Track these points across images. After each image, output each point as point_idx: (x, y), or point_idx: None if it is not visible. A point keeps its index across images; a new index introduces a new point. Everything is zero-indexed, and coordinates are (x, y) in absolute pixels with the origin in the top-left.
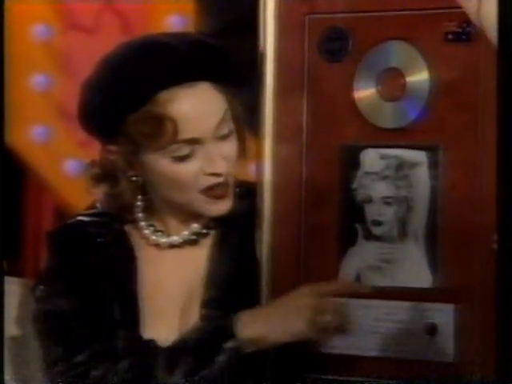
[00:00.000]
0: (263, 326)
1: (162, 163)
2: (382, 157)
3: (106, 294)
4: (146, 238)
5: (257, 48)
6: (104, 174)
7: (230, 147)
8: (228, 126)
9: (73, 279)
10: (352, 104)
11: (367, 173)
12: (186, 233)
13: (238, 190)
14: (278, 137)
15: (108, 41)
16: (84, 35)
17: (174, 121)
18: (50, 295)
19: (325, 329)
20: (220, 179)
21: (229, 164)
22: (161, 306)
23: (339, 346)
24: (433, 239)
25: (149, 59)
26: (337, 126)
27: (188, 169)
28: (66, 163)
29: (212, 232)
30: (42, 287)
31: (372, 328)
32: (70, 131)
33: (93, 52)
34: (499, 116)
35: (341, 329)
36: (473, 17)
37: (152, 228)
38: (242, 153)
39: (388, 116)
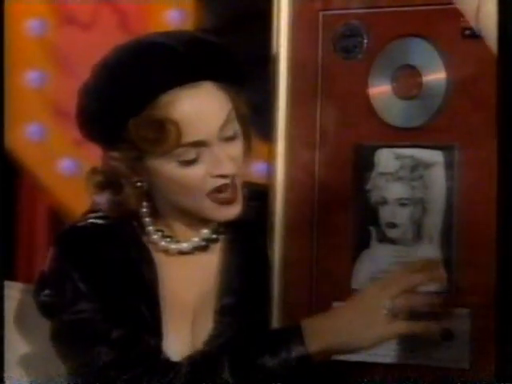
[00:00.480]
0: (334, 334)
1: (168, 168)
2: (397, 157)
3: (132, 296)
4: (154, 243)
5: (268, 45)
6: (107, 181)
7: (236, 148)
8: (233, 127)
9: (94, 282)
10: (367, 102)
11: (381, 173)
12: (196, 239)
13: (246, 190)
14: (291, 136)
15: (105, 36)
16: (80, 30)
17: (176, 124)
18: (61, 299)
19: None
20: (227, 181)
21: (236, 165)
22: (173, 312)
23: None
24: (448, 241)
25: (146, 61)
26: (351, 125)
27: (195, 172)
28: (60, 162)
29: (222, 237)
30: (47, 291)
31: None
32: (65, 129)
33: (89, 48)
34: (499, 118)
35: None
36: (471, 20)
37: (160, 233)
38: (248, 152)
39: (403, 115)
